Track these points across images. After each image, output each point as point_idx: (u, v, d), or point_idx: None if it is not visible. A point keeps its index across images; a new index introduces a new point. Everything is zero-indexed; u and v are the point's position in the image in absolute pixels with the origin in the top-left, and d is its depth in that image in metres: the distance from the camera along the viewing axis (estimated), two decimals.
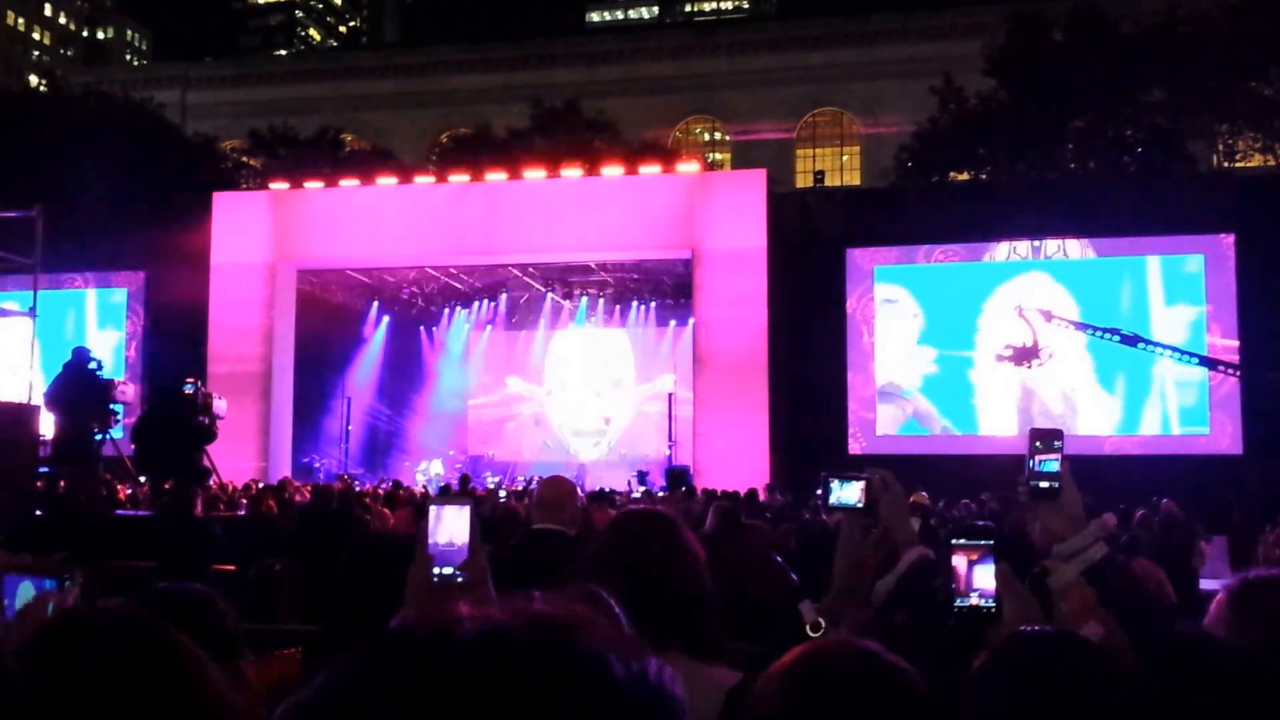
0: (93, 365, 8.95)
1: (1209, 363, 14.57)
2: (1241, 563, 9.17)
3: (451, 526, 1.59)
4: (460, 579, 1.57)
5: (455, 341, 21.65)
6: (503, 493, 11.35)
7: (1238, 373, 14.62)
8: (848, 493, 1.88)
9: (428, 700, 0.55)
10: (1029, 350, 15.16)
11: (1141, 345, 14.39)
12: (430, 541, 1.59)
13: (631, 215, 16.60)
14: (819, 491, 1.92)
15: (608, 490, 12.25)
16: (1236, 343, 15.69)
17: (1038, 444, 1.73)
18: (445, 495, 3.64)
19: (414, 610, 1.55)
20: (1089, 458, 15.20)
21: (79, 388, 8.65)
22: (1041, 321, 14.81)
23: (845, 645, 1.16)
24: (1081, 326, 14.48)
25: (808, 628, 1.76)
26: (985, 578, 1.60)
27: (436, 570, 1.57)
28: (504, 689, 0.56)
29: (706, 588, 2.01)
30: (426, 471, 19.11)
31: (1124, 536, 8.06)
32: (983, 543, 1.62)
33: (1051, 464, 1.73)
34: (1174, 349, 14.29)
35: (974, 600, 1.60)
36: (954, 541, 1.64)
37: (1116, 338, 14.36)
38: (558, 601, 0.63)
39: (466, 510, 1.60)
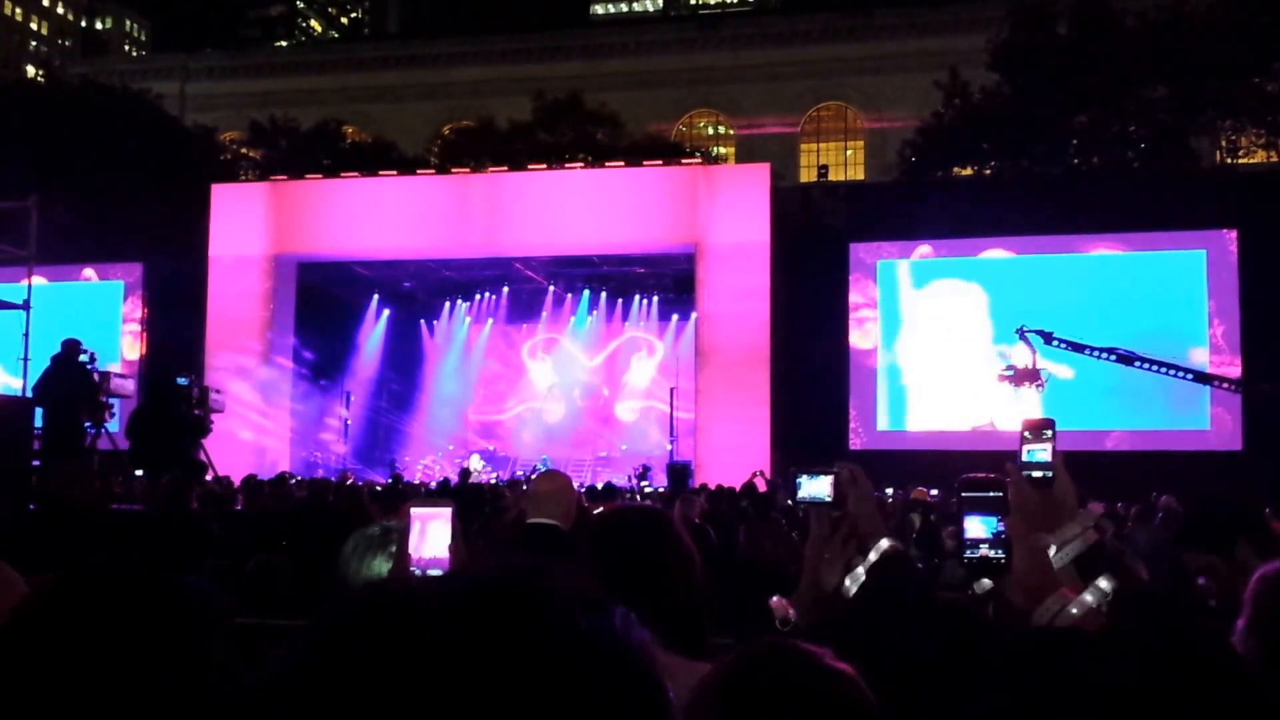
0: (84, 358, 8.89)
1: (1206, 379, 14.64)
2: None
3: (433, 528, 1.58)
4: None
5: (456, 335, 21.61)
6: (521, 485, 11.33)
7: (1237, 389, 14.69)
8: (816, 487, 1.89)
9: (389, 651, 0.57)
10: (1029, 372, 15.27)
11: (1138, 364, 14.44)
12: (412, 541, 1.58)
13: (634, 209, 16.55)
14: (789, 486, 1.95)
15: (606, 486, 12.19)
16: (1238, 339, 15.68)
17: (1028, 434, 1.74)
18: (427, 497, 3.66)
19: None
20: (1089, 454, 15.19)
21: (68, 380, 8.60)
22: (1041, 343, 14.85)
23: (780, 647, 1.15)
24: (1079, 348, 14.53)
25: (778, 623, 1.75)
26: (995, 529, 1.66)
27: (419, 571, 1.58)
28: (466, 638, 0.57)
29: (695, 584, 2.02)
30: (430, 469, 19.09)
31: (1109, 531, 8.01)
32: (991, 495, 1.67)
33: (1043, 453, 1.72)
34: (1170, 365, 14.32)
35: (983, 551, 1.65)
36: (964, 494, 1.69)
37: (1113, 357, 14.40)
38: (523, 559, 0.64)
39: (448, 512, 1.58)
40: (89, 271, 19.03)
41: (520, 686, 0.56)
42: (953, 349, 16.87)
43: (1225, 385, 14.68)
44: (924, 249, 17.30)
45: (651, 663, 0.62)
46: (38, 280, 16.75)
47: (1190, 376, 14.63)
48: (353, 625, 0.60)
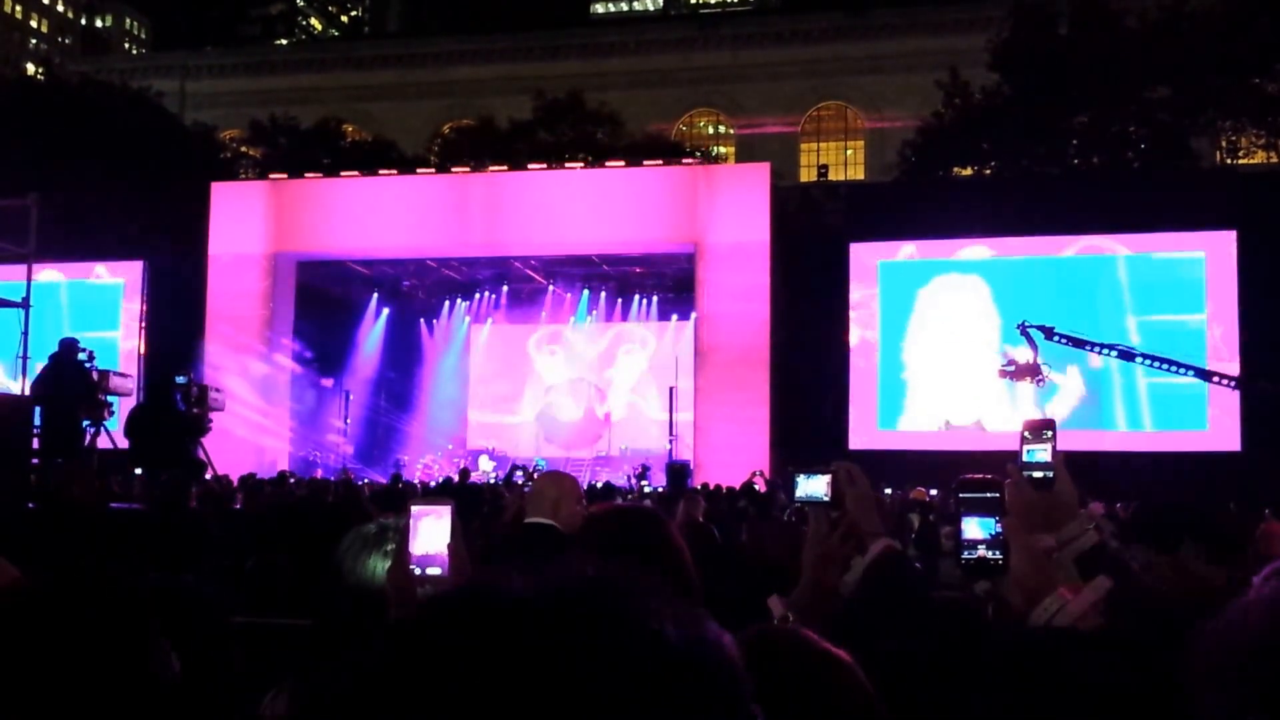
0: (82, 356, 8.90)
1: (1206, 375, 14.63)
2: None
3: (433, 526, 1.58)
4: (443, 577, 1.57)
5: (455, 334, 21.60)
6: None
7: (1236, 385, 14.68)
8: (813, 486, 1.90)
9: (474, 659, 0.55)
10: (1031, 367, 15.24)
11: (1140, 360, 14.43)
12: (412, 541, 1.57)
13: (634, 208, 16.56)
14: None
15: (605, 485, 12.20)
16: (1237, 340, 15.68)
17: (1028, 434, 1.75)
18: (426, 496, 3.62)
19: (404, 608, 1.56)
20: (1089, 454, 15.19)
21: (67, 379, 8.61)
22: (1043, 339, 14.83)
23: (772, 632, 1.17)
24: (1080, 343, 14.51)
25: (775, 622, 1.75)
26: (992, 530, 1.67)
27: (418, 569, 1.56)
28: (554, 647, 0.55)
29: (689, 583, 2.02)
30: (429, 469, 19.08)
31: (1109, 531, 8.00)
32: (989, 496, 1.68)
33: (1043, 454, 1.73)
34: (1171, 362, 14.31)
35: (981, 552, 1.66)
36: (961, 495, 1.70)
37: (1115, 353, 14.38)
38: (611, 565, 0.62)
39: (448, 510, 1.58)
40: (100, 269, 19.00)
41: (610, 699, 0.54)
42: (953, 349, 16.87)
43: (1225, 382, 14.65)
44: (908, 249, 17.28)
45: (741, 676, 0.60)
46: (55, 276, 16.81)
47: (1191, 373, 14.62)
48: (442, 631, 0.58)
